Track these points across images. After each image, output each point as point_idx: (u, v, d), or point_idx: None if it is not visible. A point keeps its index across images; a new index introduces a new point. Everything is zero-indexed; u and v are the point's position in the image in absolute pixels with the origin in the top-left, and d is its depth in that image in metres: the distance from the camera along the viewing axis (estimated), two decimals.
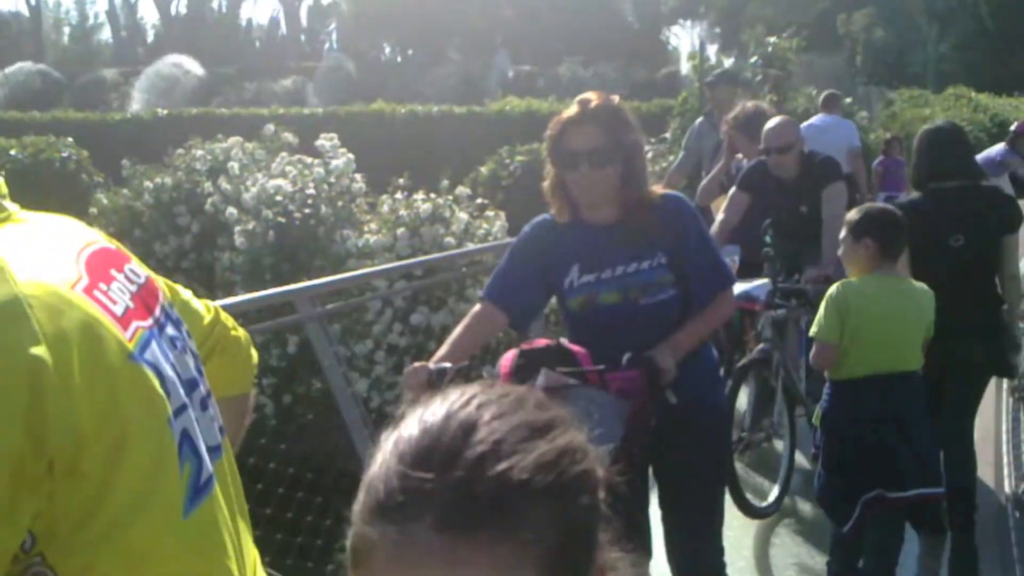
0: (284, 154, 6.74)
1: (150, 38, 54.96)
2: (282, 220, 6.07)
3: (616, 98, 2.17)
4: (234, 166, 7.03)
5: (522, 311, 2.26)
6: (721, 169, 5.06)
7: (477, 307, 2.22)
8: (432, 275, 5.72)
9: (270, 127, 7.83)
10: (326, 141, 6.66)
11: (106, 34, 57.51)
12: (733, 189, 4.26)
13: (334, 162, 6.54)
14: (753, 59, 6.99)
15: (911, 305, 2.80)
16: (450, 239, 6.02)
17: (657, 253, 2.13)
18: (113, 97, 31.31)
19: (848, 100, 8.06)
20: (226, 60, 37.17)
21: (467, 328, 2.17)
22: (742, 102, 4.95)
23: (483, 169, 8.42)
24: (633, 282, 2.12)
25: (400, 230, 5.83)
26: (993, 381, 4.45)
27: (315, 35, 52.65)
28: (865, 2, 29.86)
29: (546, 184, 2.16)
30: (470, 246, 6.09)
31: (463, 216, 6.29)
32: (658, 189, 2.21)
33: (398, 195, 6.10)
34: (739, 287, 3.98)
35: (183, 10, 52.09)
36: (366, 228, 6.11)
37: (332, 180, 6.51)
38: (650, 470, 2.28)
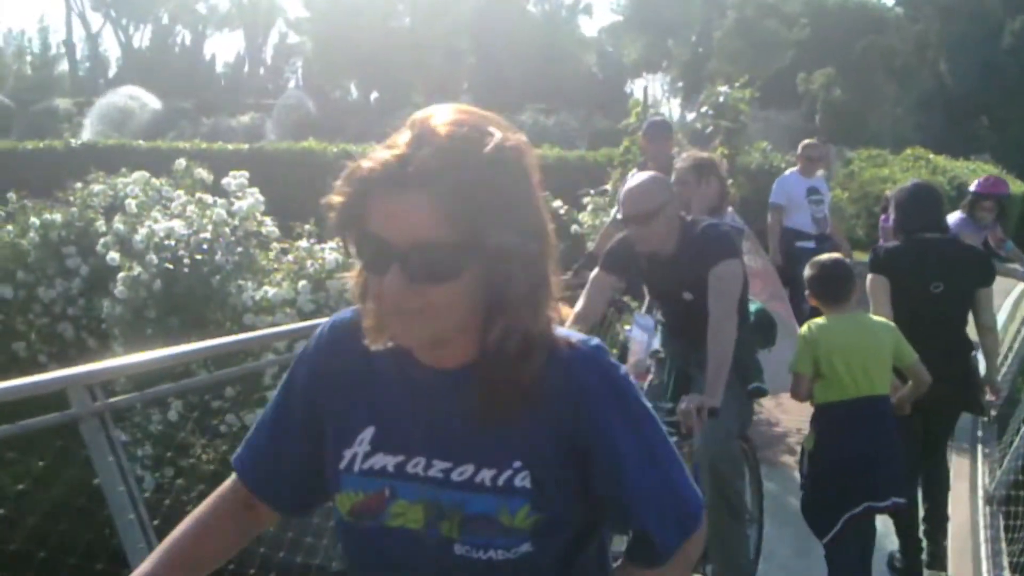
0: (180, 192, 6.04)
1: (113, 71, 54.20)
2: (170, 267, 5.35)
3: (539, 150, 1.06)
4: (131, 203, 6.31)
5: (298, 500, 1.19)
6: None
7: (225, 485, 1.19)
8: None
9: (181, 162, 7.10)
10: (232, 180, 5.97)
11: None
12: (595, 269, 3.19)
13: (239, 203, 5.84)
14: (703, 108, 6.51)
15: (870, 337, 3.12)
16: None
17: (513, 460, 1.03)
18: (65, 127, 30.55)
19: None
20: (187, 95, 36.63)
21: (203, 520, 1.15)
22: (686, 152, 4.33)
23: None
24: (452, 503, 1.04)
25: (302, 283, 5.14)
26: (967, 491, 4.08)
27: (279, 73, 52.18)
28: (825, 61, 30.16)
29: (351, 281, 1.06)
30: None
31: None
32: (566, 330, 1.07)
33: (302, 243, 5.42)
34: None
35: (146, 43, 51.49)
36: (267, 280, 5.41)
37: (236, 223, 5.82)
38: None
